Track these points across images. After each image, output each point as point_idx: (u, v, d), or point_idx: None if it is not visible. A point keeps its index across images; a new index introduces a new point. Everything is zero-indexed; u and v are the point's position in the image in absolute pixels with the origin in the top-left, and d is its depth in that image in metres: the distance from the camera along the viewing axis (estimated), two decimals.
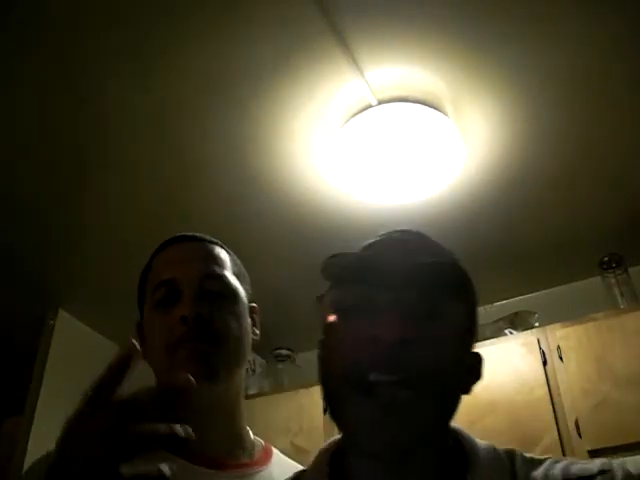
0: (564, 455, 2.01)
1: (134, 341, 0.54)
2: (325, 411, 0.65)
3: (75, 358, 2.76)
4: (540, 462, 0.62)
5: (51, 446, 0.83)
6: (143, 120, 1.92)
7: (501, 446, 0.66)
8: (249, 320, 0.93)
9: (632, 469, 0.58)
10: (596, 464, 0.60)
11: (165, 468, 0.50)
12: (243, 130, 1.96)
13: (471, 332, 0.65)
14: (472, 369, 0.65)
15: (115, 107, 1.87)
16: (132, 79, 1.78)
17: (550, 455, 0.64)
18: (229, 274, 0.91)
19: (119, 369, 0.52)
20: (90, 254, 2.46)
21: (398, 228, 0.69)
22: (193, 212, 2.28)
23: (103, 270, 2.52)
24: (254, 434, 0.95)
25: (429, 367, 0.58)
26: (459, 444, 0.64)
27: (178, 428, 0.50)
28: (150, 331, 0.88)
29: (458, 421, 0.66)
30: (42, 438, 2.43)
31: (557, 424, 2.09)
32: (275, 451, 0.94)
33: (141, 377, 0.86)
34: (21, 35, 1.64)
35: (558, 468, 0.60)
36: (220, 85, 1.81)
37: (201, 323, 0.84)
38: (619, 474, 0.58)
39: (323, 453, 0.68)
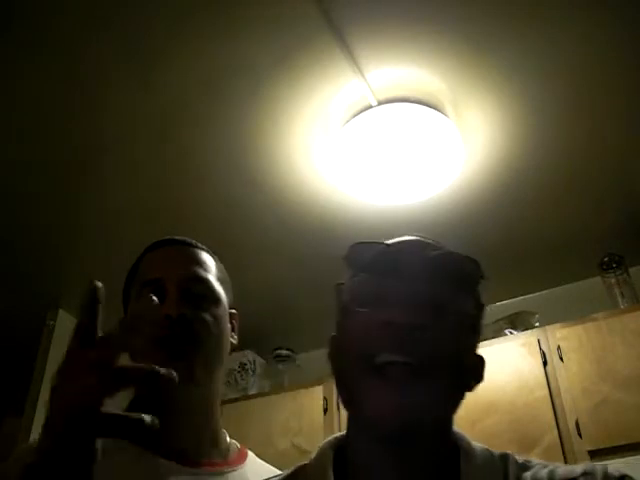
0: (564, 455, 2.01)
1: (95, 281, 0.59)
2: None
3: None
4: (531, 466, 0.66)
5: None
6: (143, 120, 1.92)
7: (501, 447, 0.70)
8: (229, 325, 0.95)
9: (612, 471, 0.62)
10: (579, 467, 0.64)
11: (147, 418, 0.52)
12: (243, 130, 1.96)
13: (477, 330, 0.68)
14: (475, 368, 0.68)
15: (115, 107, 1.87)
16: (132, 79, 1.78)
17: (542, 461, 0.67)
18: (213, 279, 0.94)
19: (91, 305, 0.58)
20: (90, 254, 2.46)
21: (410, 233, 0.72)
22: (193, 211, 2.28)
23: (103, 270, 2.52)
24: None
25: (439, 353, 0.61)
26: (457, 444, 0.68)
27: (145, 416, 0.52)
28: None
29: (459, 422, 0.67)
30: None
31: (557, 424, 2.09)
32: (250, 454, 0.97)
33: None
34: (22, 35, 1.64)
35: (545, 471, 0.64)
36: (220, 85, 1.81)
37: (184, 323, 0.86)
38: (599, 475, 0.61)
39: (326, 446, 0.71)
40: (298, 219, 2.33)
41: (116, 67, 1.74)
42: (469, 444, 0.68)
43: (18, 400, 2.57)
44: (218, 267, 0.98)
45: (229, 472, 0.89)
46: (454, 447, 0.67)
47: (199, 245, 0.99)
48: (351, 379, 0.64)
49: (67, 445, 0.52)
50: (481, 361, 0.69)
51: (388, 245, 0.68)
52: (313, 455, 0.71)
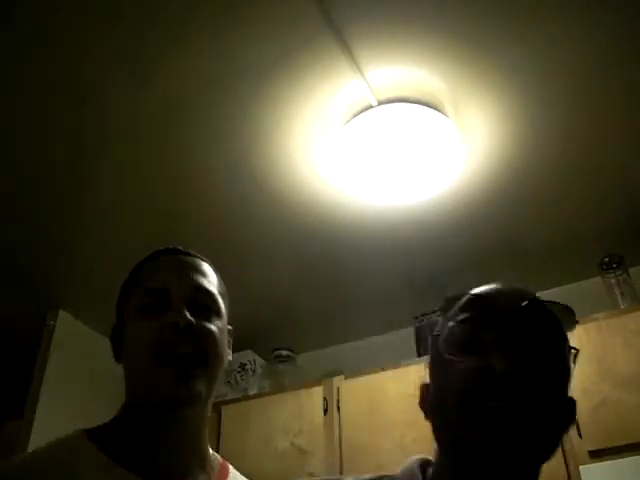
0: (564, 455, 2.01)
1: None
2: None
3: (75, 359, 2.75)
4: None
5: None
6: (143, 121, 1.92)
7: None
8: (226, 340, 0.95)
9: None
10: None
11: None
12: (243, 130, 1.96)
13: (569, 372, 0.74)
14: (568, 410, 0.73)
15: (115, 107, 1.87)
16: (132, 79, 1.78)
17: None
18: (216, 291, 0.94)
19: None
20: (90, 255, 2.46)
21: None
22: (193, 211, 2.28)
23: (103, 270, 2.52)
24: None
25: (536, 397, 0.66)
26: None
27: None
28: (133, 333, 0.88)
29: None
30: (42, 440, 2.42)
31: None
32: (231, 469, 0.97)
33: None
34: (21, 35, 1.64)
35: None
36: (220, 85, 1.81)
37: (191, 332, 0.85)
38: None
39: (414, 465, 0.76)
40: (298, 219, 2.33)
41: (116, 67, 1.74)
42: None
43: (18, 402, 2.57)
44: (219, 281, 0.98)
45: None
46: None
47: (202, 257, 0.99)
48: (454, 423, 0.67)
49: None
50: (572, 403, 0.74)
51: (481, 295, 0.75)
52: (400, 470, 0.77)
